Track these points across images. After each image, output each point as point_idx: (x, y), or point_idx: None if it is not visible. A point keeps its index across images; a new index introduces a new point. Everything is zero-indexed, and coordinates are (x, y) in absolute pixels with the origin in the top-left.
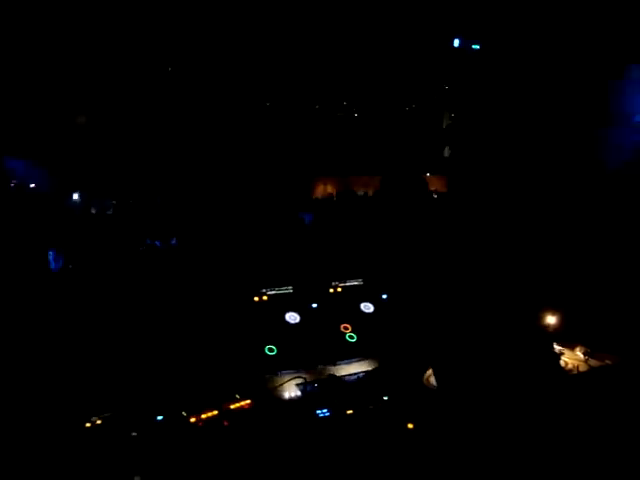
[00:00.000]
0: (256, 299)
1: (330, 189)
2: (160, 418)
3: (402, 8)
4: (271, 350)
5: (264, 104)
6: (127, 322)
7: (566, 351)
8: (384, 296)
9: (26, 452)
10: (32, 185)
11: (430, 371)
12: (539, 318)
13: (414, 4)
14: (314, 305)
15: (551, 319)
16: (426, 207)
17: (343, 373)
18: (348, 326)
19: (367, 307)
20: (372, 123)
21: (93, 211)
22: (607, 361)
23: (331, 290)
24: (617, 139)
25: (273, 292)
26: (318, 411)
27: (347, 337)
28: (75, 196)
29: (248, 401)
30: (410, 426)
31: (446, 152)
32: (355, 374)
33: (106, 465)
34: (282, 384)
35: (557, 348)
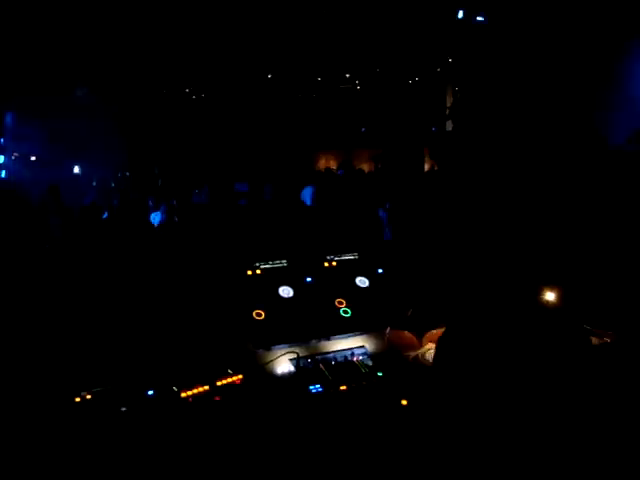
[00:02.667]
0: (249, 273)
1: (332, 163)
2: (151, 393)
3: None
4: (264, 324)
5: (265, 76)
6: (117, 294)
7: None
8: (380, 270)
9: (13, 427)
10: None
11: (425, 347)
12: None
13: None
14: (308, 279)
15: (550, 296)
16: (422, 181)
17: (337, 348)
18: (343, 301)
19: (362, 281)
20: (375, 96)
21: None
22: (606, 339)
23: (326, 264)
24: (623, 112)
25: (267, 266)
26: (311, 387)
27: (341, 312)
28: (76, 169)
29: (240, 376)
30: (404, 403)
31: (449, 126)
32: (349, 349)
33: (95, 440)
34: (275, 359)
35: None
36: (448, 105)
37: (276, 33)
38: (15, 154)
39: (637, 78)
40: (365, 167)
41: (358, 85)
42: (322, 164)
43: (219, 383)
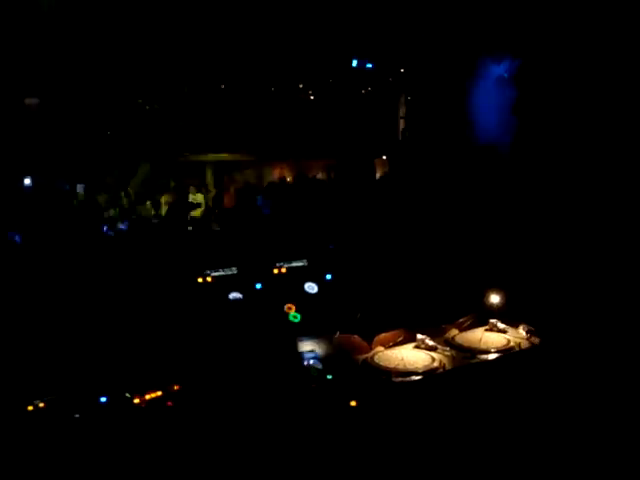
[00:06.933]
0: (200, 280)
1: (285, 173)
2: (104, 400)
3: None
4: (214, 330)
5: (219, 86)
6: (71, 304)
7: (510, 329)
8: (328, 276)
9: None
10: None
11: (375, 350)
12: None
13: None
14: (258, 286)
15: (495, 298)
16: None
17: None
18: (292, 306)
19: (311, 287)
20: (328, 106)
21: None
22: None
23: (275, 271)
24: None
25: (217, 273)
26: None
27: (291, 317)
28: (27, 181)
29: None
30: (353, 404)
31: (401, 136)
32: (300, 353)
33: (49, 447)
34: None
35: (501, 326)
36: (401, 115)
37: (229, 42)
38: None
39: None
40: (319, 176)
41: (312, 95)
42: (276, 174)
43: (172, 389)
